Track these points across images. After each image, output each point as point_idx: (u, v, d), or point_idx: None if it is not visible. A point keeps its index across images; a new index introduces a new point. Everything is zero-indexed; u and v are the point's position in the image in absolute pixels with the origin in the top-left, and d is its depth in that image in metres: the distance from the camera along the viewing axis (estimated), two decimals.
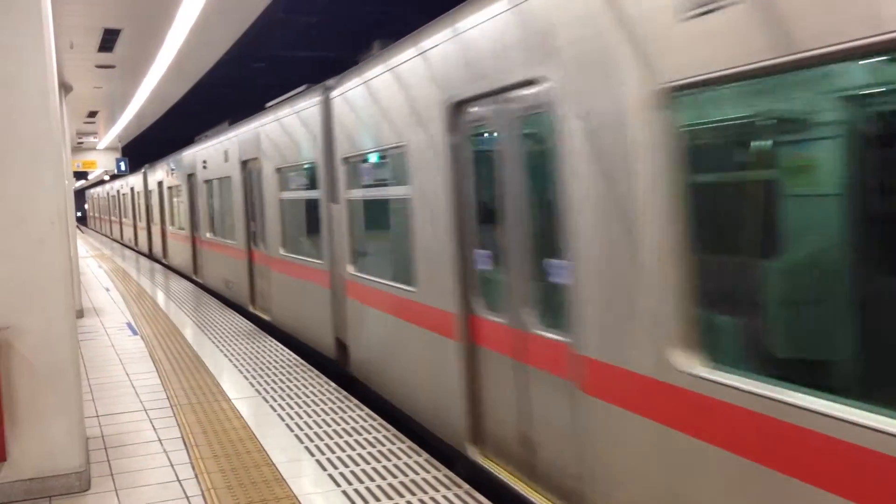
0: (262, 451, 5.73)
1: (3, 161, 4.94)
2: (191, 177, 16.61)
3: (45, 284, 5.03)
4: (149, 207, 24.44)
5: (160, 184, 21.44)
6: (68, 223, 5.67)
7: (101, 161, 30.05)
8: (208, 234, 15.32)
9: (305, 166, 9.05)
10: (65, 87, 13.97)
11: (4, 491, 4.99)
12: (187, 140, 19.80)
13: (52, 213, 5.05)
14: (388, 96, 6.24)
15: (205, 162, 14.85)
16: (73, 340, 5.20)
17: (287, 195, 9.94)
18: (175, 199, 19.26)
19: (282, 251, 10.14)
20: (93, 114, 20.11)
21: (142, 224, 26.67)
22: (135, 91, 15.85)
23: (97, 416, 6.83)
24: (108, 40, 10.87)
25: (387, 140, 6.36)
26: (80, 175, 38.04)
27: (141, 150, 31.44)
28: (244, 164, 11.89)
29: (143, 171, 24.91)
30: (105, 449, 5.96)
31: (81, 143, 27.72)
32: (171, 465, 5.54)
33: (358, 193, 7.44)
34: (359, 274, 7.41)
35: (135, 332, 10.98)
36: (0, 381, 4.90)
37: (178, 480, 5.25)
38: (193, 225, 16.91)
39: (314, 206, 8.73)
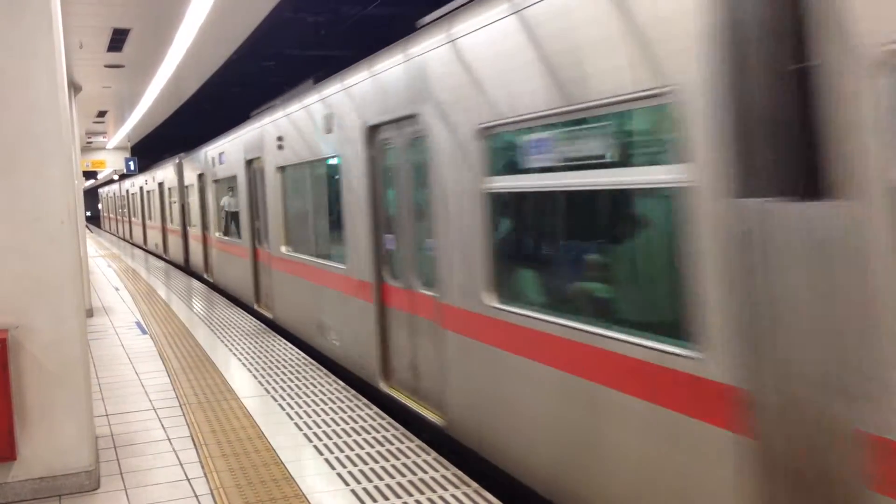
0: (271, 450, 5.74)
1: (13, 161, 4.96)
2: (251, 164, 11.97)
3: (55, 284, 5.04)
4: (184, 207, 19.51)
5: (201, 176, 16.57)
6: (78, 223, 5.68)
7: (111, 160, 30.22)
8: (285, 250, 10.41)
9: (602, 114, 3.98)
10: (74, 87, 14.03)
11: (14, 490, 5.01)
12: (196, 139, 19.81)
13: (62, 212, 5.05)
14: None
15: (280, 139, 10.10)
16: (82, 339, 5.22)
17: (507, 183, 4.90)
18: (223, 197, 14.70)
19: (493, 303, 5.04)
20: (102, 113, 20.22)
21: (173, 227, 21.78)
22: (144, 91, 15.91)
23: (106, 415, 6.86)
24: (118, 40, 10.91)
25: None
26: (89, 175, 38.26)
27: (150, 150, 31.61)
28: (372, 132, 7.05)
29: (176, 160, 19.98)
30: (114, 448, 5.98)
31: (91, 142, 27.87)
32: (181, 464, 5.55)
33: None
34: None
35: (144, 332, 11.02)
36: (10, 380, 4.92)
37: (188, 479, 5.27)
38: (255, 234, 12.14)
39: (637, 209, 4.10)
